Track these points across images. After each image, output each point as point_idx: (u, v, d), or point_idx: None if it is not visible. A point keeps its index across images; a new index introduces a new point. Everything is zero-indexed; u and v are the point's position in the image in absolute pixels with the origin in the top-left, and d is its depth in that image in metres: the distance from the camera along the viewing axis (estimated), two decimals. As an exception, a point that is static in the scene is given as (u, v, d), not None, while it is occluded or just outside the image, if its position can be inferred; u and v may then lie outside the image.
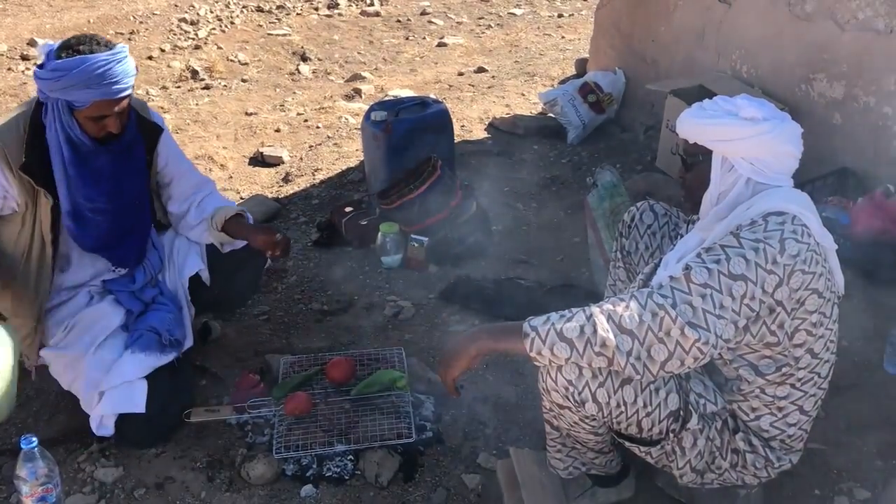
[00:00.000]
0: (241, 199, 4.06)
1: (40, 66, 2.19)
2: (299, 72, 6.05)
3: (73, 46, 2.17)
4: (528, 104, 5.25)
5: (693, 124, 1.87)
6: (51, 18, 6.92)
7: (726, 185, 1.84)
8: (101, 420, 2.30)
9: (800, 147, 1.84)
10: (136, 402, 2.27)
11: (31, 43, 6.25)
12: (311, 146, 4.67)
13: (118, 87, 2.18)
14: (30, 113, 2.26)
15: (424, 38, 6.87)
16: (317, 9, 7.47)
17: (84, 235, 2.39)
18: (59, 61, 2.14)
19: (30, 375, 2.45)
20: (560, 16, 7.41)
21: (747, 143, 1.79)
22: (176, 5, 7.36)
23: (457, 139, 4.17)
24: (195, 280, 2.60)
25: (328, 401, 2.49)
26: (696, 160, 1.91)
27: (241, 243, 2.61)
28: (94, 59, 2.14)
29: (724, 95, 1.92)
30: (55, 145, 2.26)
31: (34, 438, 1.94)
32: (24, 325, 2.36)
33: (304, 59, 6.33)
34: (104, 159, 2.33)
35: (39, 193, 2.27)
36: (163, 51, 6.37)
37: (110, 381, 2.27)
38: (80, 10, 7.18)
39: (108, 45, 2.21)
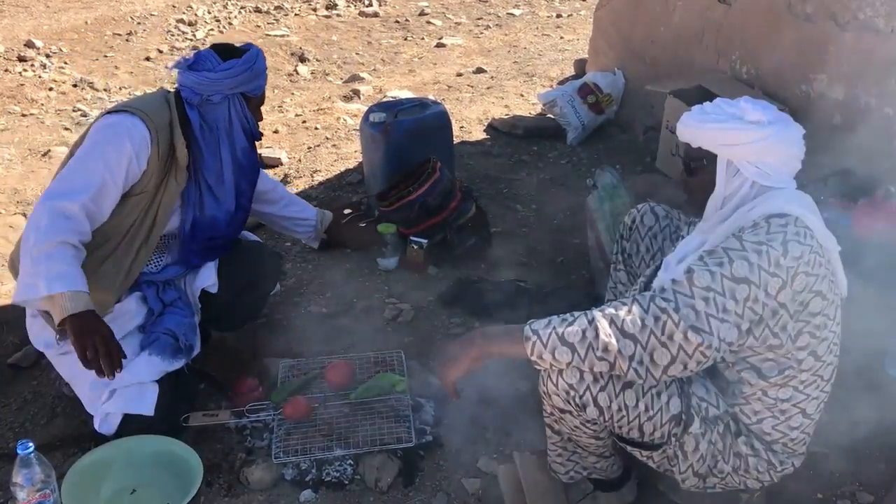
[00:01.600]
0: (240, 200, 4.04)
1: (210, 70, 2.33)
2: (297, 73, 6.04)
3: (233, 48, 2.43)
4: (527, 105, 5.24)
5: (696, 128, 1.85)
6: (48, 19, 6.90)
7: (732, 188, 1.82)
8: (106, 418, 2.27)
9: (803, 149, 1.84)
10: (146, 403, 2.26)
11: (29, 44, 6.23)
12: (309, 147, 4.65)
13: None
14: (173, 104, 2.39)
15: (423, 38, 6.86)
16: (315, 9, 7.46)
17: (212, 226, 2.52)
18: (243, 57, 2.37)
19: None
20: (559, 16, 7.40)
21: (753, 147, 1.78)
22: (174, 6, 7.34)
23: (456, 140, 4.15)
24: (203, 295, 2.59)
25: (327, 405, 2.48)
26: (700, 164, 1.89)
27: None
28: (260, 51, 2.44)
29: (725, 97, 1.91)
30: (208, 138, 2.41)
31: (31, 444, 1.92)
32: (104, 304, 2.30)
33: (303, 59, 6.32)
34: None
35: (171, 177, 2.37)
36: (160, 52, 6.35)
37: (123, 380, 2.23)
38: (78, 10, 7.17)
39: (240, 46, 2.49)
